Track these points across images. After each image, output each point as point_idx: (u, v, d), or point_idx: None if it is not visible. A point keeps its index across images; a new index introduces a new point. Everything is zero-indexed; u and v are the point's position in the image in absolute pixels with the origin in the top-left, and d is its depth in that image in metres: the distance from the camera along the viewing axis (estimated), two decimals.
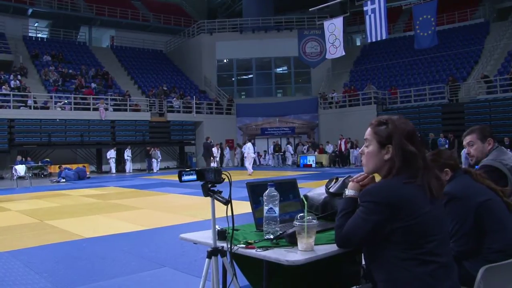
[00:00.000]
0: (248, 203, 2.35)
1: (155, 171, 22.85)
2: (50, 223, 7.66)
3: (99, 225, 7.38)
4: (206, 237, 2.30)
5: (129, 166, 22.89)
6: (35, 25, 32.35)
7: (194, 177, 2.13)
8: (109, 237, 6.33)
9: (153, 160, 23.22)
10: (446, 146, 19.44)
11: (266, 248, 2.01)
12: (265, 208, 2.15)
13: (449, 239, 1.90)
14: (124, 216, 8.28)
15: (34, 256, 5.32)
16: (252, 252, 2.01)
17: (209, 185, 2.14)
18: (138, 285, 4.11)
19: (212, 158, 20.43)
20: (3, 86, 22.10)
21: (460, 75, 25.09)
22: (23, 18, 30.79)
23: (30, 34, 30.92)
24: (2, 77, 23.24)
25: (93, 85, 25.75)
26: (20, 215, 8.75)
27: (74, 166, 19.57)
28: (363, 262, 2.01)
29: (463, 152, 8.83)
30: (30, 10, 30.75)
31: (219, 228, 2.21)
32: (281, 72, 33.72)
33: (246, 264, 2.32)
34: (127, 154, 22.86)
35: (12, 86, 22.55)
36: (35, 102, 22.10)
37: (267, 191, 2.15)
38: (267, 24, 31.59)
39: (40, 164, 19.95)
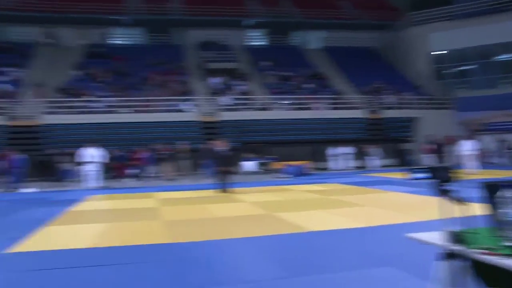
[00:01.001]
0: (482, 204, 2.17)
1: (374, 168, 22.75)
2: (277, 215, 8.39)
3: (321, 219, 7.76)
4: (438, 238, 2.21)
5: (346, 163, 23.30)
6: (253, 34, 35.86)
7: (426, 174, 2.08)
8: (331, 231, 6.61)
9: (371, 157, 23.20)
10: None
11: (508, 256, 1.84)
12: (506, 211, 1.96)
13: None
14: (345, 212, 8.51)
15: (265, 244, 5.94)
16: (491, 258, 1.86)
17: (440, 184, 2.07)
18: (361, 282, 4.20)
19: (441, 156, 19.37)
20: (231, 91, 25.20)
21: None
22: (241, 30, 34.41)
23: (249, 43, 34.60)
24: (229, 83, 26.48)
25: (309, 85, 27.11)
26: (252, 206, 9.83)
27: (295, 163, 20.80)
28: None
29: None
30: (248, 22, 34.03)
31: (452, 230, 2.10)
32: (506, 59, 29.56)
33: (484, 271, 2.15)
34: (346, 151, 23.30)
35: (238, 91, 25.50)
36: (258, 104, 24.51)
37: (508, 193, 1.96)
38: (482, 8, 28.13)
39: (266, 160, 21.91)
